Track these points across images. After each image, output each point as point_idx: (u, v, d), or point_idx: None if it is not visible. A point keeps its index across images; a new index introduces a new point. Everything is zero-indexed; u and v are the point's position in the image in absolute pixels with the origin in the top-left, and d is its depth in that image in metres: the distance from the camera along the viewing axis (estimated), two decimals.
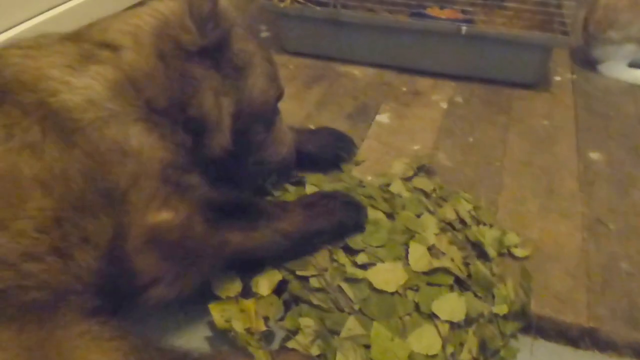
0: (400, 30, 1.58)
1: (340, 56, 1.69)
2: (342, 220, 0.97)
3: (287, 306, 0.91)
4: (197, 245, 0.84)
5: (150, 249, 0.80)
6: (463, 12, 1.63)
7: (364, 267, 0.93)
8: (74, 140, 0.74)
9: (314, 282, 0.91)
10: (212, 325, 0.88)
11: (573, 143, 1.36)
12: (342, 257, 0.95)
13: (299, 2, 1.64)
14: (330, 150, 1.21)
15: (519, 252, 1.02)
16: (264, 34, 1.85)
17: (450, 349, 0.83)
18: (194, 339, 0.89)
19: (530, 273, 0.96)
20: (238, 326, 0.85)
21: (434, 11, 1.62)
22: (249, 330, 0.85)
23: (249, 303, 0.88)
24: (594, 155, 1.31)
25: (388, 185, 1.14)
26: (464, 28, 1.50)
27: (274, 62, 1.01)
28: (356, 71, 1.66)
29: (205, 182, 0.89)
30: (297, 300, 0.90)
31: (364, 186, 1.12)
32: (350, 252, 0.96)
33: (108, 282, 0.78)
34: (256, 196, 1.07)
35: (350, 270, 0.92)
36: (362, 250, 0.96)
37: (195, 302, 0.89)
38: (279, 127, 1.05)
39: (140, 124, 0.80)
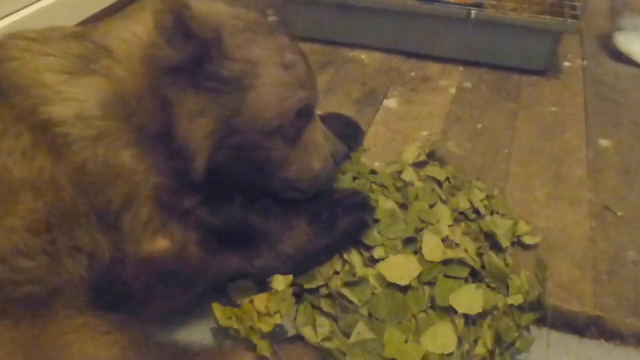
0: (409, 14, 1.56)
1: (348, 41, 1.67)
2: (347, 231, 0.93)
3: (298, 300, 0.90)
4: (194, 272, 0.83)
5: (145, 275, 0.80)
6: None
7: (378, 261, 0.92)
8: (63, 153, 0.73)
9: (322, 290, 0.90)
10: (214, 319, 0.87)
11: (582, 130, 1.34)
12: (354, 255, 0.94)
13: None
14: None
15: (529, 239, 1.01)
16: (271, 19, 1.83)
17: (465, 346, 0.82)
18: (195, 332, 0.88)
19: (545, 262, 0.95)
20: (240, 324, 0.85)
21: None
22: (251, 328, 0.84)
23: (250, 306, 0.86)
24: (604, 142, 1.30)
25: (400, 172, 1.12)
26: (473, 12, 1.48)
27: (300, 67, 0.87)
28: (364, 56, 1.65)
29: (201, 203, 0.86)
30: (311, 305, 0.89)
31: (375, 173, 1.11)
32: (366, 246, 0.95)
33: (101, 285, 0.78)
34: (260, 210, 0.99)
35: (360, 270, 0.91)
36: (379, 245, 0.94)
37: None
38: (310, 139, 0.93)
39: (130, 149, 0.78)
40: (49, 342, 0.67)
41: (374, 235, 0.96)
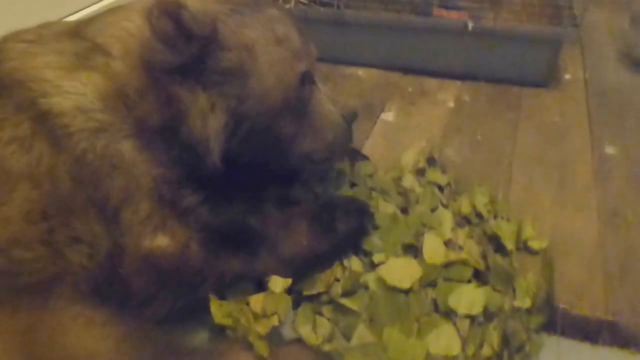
0: (406, 29, 1.55)
1: (345, 58, 1.65)
2: (347, 235, 0.91)
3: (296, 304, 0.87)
4: (194, 273, 0.82)
5: (145, 272, 0.78)
6: (469, 11, 1.60)
7: (378, 266, 0.89)
8: (62, 144, 0.73)
9: (323, 297, 0.87)
10: (210, 317, 0.84)
11: (587, 138, 1.30)
12: (354, 261, 0.91)
13: (302, 4, 1.62)
14: None
15: (535, 244, 0.96)
16: None
17: (471, 349, 0.79)
18: (192, 330, 0.86)
19: (551, 264, 0.91)
20: (237, 323, 0.82)
21: (440, 13, 1.59)
22: (248, 327, 0.82)
23: (246, 306, 0.85)
24: (609, 149, 1.26)
25: (399, 178, 1.09)
26: (470, 24, 1.46)
27: (293, 37, 0.86)
28: (361, 72, 1.63)
29: (204, 200, 0.85)
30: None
31: (371, 176, 1.08)
32: (366, 252, 0.92)
33: (102, 277, 0.77)
34: (261, 212, 0.99)
35: (360, 276, 0.88)
36: (380, 250, 0.91)
37: None
38: (318, 107, 0.92)
39: (131, 140, 0.77)
40: (45, 332, 0.68)
41: (374, 240, 0.93)
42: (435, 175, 1.10)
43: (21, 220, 0.70)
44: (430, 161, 1.16)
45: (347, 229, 0.91)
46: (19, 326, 0.68)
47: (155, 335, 0.75)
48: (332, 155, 0.97)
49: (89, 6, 1.41)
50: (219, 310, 0.83)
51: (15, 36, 0.79)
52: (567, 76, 1.60)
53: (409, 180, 1.08)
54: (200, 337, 0.85)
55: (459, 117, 1.40)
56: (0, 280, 0.70)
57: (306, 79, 0.88)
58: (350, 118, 0.99)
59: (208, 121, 0.80)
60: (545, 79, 1.53)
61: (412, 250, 0.93)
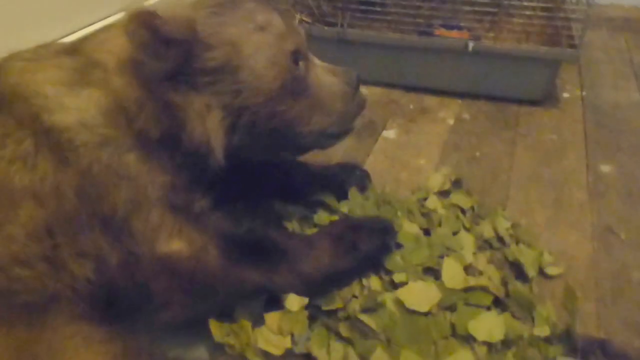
0: (407, 48, 1.59)
1: None
2: (369, 254, 0.92)
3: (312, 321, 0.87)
4: (213, 280, 0.81)
5: (162, 277, 0.78)
6: (470, 31, 1.63)
7: (398, 286, 0.90)
8: (67, 157, 0.73)
9: (341, 314, 0.87)
10: (210, 336, 0.85)
11: (582, 156, 1.33)
12: (373, 280, 0.92)
13: (306, 22, 1.65)
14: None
15: (552, 270, 0.97)
16: None
17: None
18: (190, 348, 0.86)
19: (574, 294, 0.91)
20: (236, 341, 0.83)
21: (441, 33, 1.62)
22: (247, 344, 0.83)
23: (246, 323, 0.85)
24: (605, 167, 1.29)
25: (425, 199, 1.11)
26: (470, 44, 1.50)
27: (274, 21, 0.86)
28: (363, 90, 1.66)
29: (217, 205, 0.85)
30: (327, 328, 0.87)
31: (388, 201, 1.10)
32: (386, 270, 0.93)
33: (107, 292, 0.77)
34: (280, 228, 1.01)
35: (379, 296, 0.88)
36: (401, 270, 0.92)
37: None
38: (317, 82, 0.90)
39: (134, 152, 0.78)
40: (44, 349, 0.66)
41: (395, 259, 0.94)
42: (459, 198, 1.12)
43: (25, 238, 0.70)
44: (456, 184, 1.18)
45: (369, 249, 0.92)
46: (16, 344, 0.67)
47: (154, 352, 0.74)
48: (347, 124, 0.96)
49: (87, 26, 1.43)
50: (218, 329, 0.84)
51: (15, 55, 0.81)
52: (565, 94, 1.64)
53: (433, 202, 1.10)
54: (199, 353, 0.85)
55: (458, 135, 1.43)
56: None
57: (298, 58, 0.87)
58: (354, 80, 0.97)
59: (206, 122, 0.81)
60: (544, 97, 1.56)
61: (433, 272, 0.93)
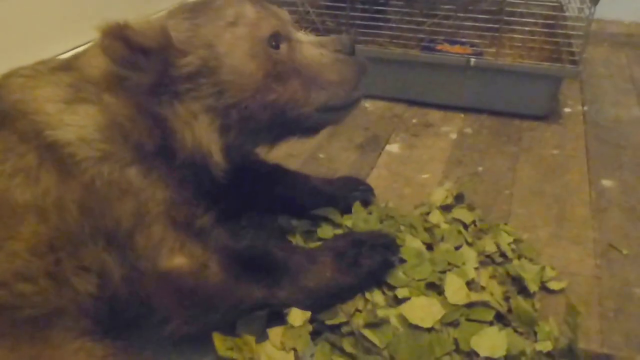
0: (411, 63, 1.61)
1: None
2: (372, 270, 0.92)
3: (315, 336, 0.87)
4: (215, 295, 0.82)
5: (164, 292, 0.79)
6: (472, 46, 1.65)
7: (401, 302, 0.90)
8: (70, 171, 0.74)
9: (344, 328, 0.87)
10: (213, 351, 0.85)
11: (584, 171, 1.34)
12: (377, 295, 0.92)
13: None
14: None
15: (554, 285, 0.98)
16: None
17: None
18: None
19: (576, 310, 0.90)
20: (240, 356, 0.83)
21: (444, 48, 1.64)
22: (251, 358, 0.83)
23: (251, 337, 0.85)
24: (607, 183, 1.30)
25: (427, 214, 1.12)
26: (472, 60, 1.52)
27: (245, 11, 0.84)
28: (367, 104, 1.68)
29: (220, 221, 0.86)
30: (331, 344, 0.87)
31: (391, 216, 1.11)
32: (390, 286, 0.94)
33: (110, 306, 0.78)
34: (284, 241, 1.02)
35: (382, 311, 0.89)
36: (404, 286, 0.93)
37: None
38: (307, 57, 0.89)
39: (134, 167, 0.78)
40: None
41: (398, 275, 0.95)
42: (462, 213, 1.12)
43: (27, 253, 0.71)
44: (458, 198, 1.19)
45: (371, 264, 0.92)
46: (19, 359, 0.67)
47: None
48: (350, 91, 0.93)
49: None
50: (222, 343, 0.84)
51: (15, 72, 0.82)
52: (567, 109, 1.65)
53: (435, 217, 1.11)
54: None
55: (461, 150, 1.44)
56: (2, 314, 0.70)
57: (278, 40, 0.86)
58: (348, 45, 0.94)
59: (195, 130, 0.81)
60: (546, 112, 1.58)
61: (435, 287, 0.94)
